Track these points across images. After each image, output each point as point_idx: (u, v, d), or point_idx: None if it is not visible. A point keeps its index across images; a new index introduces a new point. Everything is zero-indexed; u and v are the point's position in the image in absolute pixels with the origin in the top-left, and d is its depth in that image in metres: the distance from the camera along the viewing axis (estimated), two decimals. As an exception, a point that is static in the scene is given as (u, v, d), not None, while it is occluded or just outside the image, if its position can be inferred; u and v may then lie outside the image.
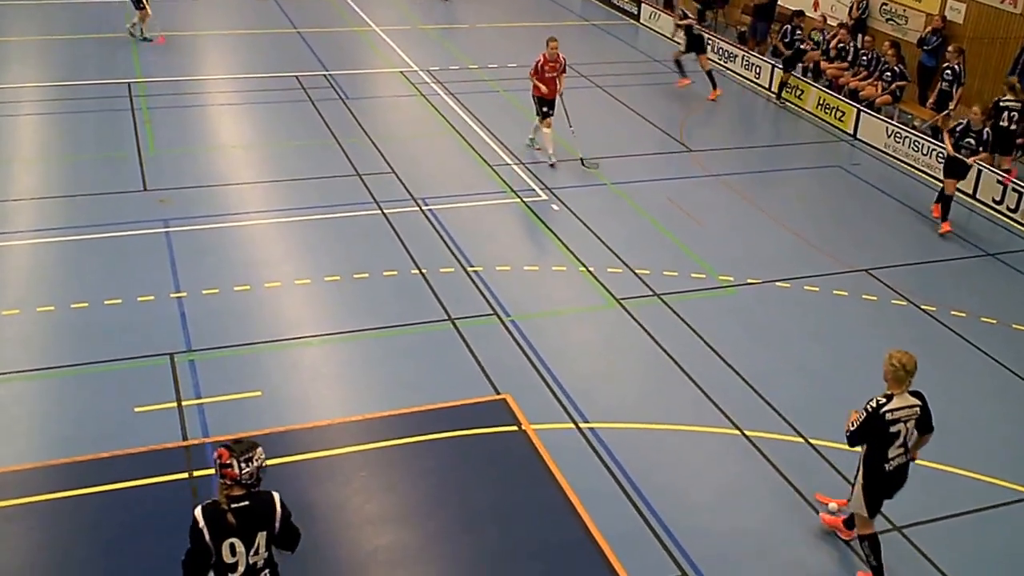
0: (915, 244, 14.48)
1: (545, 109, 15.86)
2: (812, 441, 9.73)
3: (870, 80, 19.51)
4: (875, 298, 12.70)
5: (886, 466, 7.63)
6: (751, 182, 16.21)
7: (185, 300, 11.62)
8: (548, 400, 10.16)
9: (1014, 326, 12.27)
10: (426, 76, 20.36)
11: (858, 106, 18.67)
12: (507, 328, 11.44)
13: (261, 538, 5.92)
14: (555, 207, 14.70)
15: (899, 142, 17.60)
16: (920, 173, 17.04)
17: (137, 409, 9.61)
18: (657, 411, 10.15)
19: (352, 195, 14.76)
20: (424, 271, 12.56)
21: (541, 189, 15.29)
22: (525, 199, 14.95)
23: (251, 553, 5.91)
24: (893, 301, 12.66)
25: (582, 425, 9.79)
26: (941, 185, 15.16)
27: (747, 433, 9.82)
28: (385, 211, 14.20)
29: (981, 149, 14.64)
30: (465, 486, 8.93)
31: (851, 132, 18.67)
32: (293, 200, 14.52)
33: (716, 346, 11.33)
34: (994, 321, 12.35)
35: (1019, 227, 15.20)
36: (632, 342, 11.41)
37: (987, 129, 14.73)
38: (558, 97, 15.88)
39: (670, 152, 17.36)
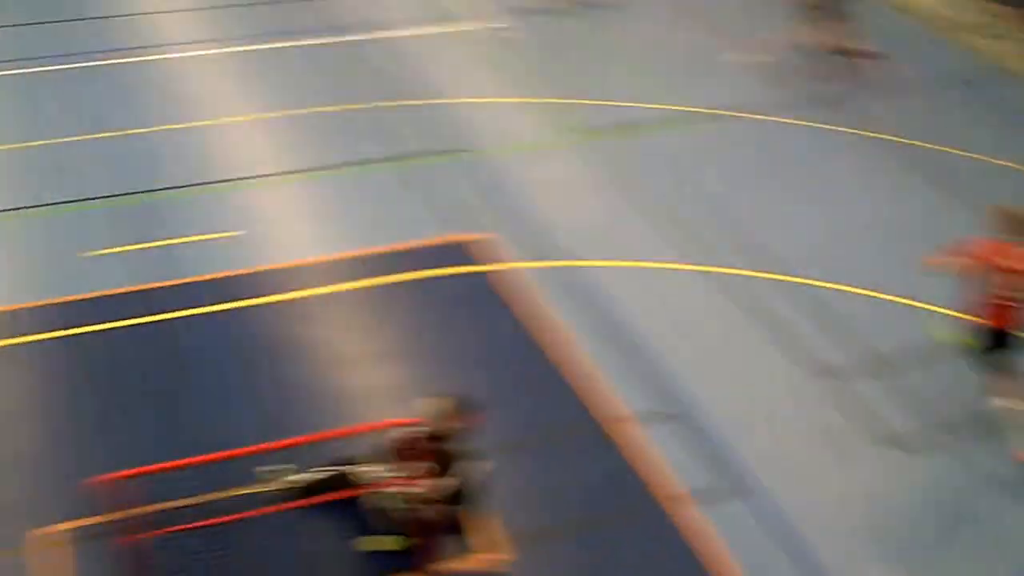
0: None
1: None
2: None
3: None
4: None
5: None
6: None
7: (139, 138, 11.28)
8: (531, 237, 9.86)
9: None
10: None
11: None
12: (476, 166, 11.07)
13: None
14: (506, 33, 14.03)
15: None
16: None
17: (103, 251, 9.45)
18: (644, 249, 9.86)
19: (305, 21, 14.15)
20: (394, 103, 12.11)
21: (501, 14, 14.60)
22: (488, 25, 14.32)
23: None
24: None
25: (567, 263, 9.52)
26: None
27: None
28: (344, 38, 13.64)
29: None
30: (448, 327, 8.78)
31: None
32: (242, 28, 13.95)
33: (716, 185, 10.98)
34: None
35: None
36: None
37: None
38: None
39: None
